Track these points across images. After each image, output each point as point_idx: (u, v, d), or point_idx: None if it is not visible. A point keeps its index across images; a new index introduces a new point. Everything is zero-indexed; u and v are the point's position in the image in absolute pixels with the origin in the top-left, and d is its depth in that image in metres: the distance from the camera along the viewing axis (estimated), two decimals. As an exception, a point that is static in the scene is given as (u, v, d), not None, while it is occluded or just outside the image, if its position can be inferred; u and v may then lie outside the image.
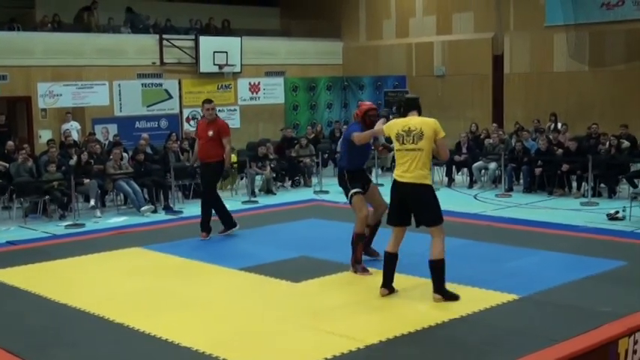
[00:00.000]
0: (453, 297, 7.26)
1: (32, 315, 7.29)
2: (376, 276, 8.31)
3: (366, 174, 8.95)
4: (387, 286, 7.52)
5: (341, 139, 9.00)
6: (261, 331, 6.59)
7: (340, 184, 8.76)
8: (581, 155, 14.65)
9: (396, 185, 7.36)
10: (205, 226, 10.79)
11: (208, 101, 10.96)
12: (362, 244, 8.56)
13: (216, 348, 6.08)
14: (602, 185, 14.80)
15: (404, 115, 7.50)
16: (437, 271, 7.24)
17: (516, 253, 9.13)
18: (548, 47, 20.37)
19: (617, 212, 12.31)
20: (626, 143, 15.54)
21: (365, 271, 8.43)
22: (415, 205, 7.30)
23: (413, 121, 7.36)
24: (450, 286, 7.44)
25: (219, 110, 20.04)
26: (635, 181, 14.01)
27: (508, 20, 21.28)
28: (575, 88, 19.86)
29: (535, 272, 8.31)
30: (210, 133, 10.63)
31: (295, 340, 6.33)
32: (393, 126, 7.47)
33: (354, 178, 8.62)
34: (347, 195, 8.63)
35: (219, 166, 10.89)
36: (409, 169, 7.24)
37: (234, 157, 16.39)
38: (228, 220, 10.96)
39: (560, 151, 15.36)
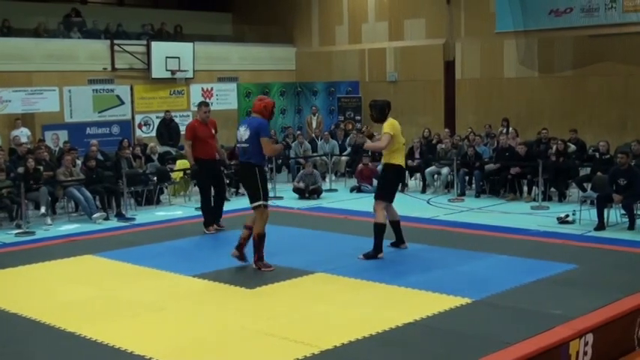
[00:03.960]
0: None
1: (-19, 325, 7.14)
2: (332, 283, 8.33)
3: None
4: None
5: (248, 135, 8.80)
6: (215, 338, 6.55)
7: (249, 182, 8.94)
8: (532, 160, 14.86)
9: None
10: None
11: (206, 104, 11.69)
12: (264, 241, 8.86)
13: (170, 356, 6.04)
14: (553, 189, 15.02)
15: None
16: None
17: (469, 257, 9.20)
18: (499, 53, 20.64)
19: (567, 216, 12.52)
20: (572, 147, 15.80)
21: (268, 267, 8.78)
22: None
23: None
24: (404, 291, 7.66)
25: (173, 115, 20.08)
26: (585, 185, 14.23)
27: (459, 27, 21.52)
28: (525, 94, 20.15)
29: (488, 276, 8.40)
30: (213, 131, 11.38)
31: (250, 346, 6.30)
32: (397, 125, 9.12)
33: (265, 179, 8.94)
34: (253, 194, 8.81)
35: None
36: None
37: (186, 163, 16.25)
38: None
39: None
